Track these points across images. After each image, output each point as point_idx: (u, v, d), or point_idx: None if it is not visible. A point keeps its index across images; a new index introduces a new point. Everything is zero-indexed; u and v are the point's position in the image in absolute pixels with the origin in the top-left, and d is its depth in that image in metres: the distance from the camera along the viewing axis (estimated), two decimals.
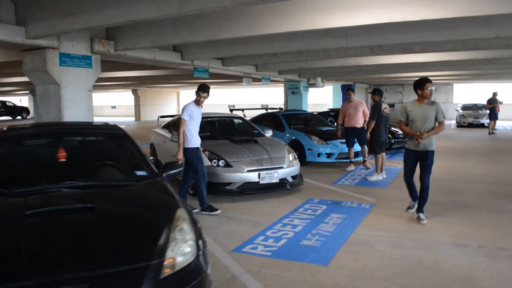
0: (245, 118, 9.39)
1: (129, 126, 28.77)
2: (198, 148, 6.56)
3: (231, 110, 13.95)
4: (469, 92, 30.35)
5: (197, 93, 6.50)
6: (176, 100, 39.83)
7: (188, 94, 40.69)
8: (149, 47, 8.95)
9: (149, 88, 34.22)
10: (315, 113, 15.11)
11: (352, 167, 10.08)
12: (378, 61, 11.93)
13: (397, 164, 10.76)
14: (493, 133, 18.77)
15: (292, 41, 8.68)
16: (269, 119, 12.36)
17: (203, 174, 6.49)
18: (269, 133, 8.93)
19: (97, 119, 33.39)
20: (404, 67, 14.47)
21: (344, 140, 10.20)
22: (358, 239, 5.20)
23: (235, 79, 17.47)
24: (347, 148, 10.12)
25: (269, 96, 31.89)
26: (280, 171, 7.28)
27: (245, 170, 7.07)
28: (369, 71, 16.04)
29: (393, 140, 12.69)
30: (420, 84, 5.72)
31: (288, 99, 18.60)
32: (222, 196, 7.25)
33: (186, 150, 6.44)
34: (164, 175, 4.17)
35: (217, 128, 9.05)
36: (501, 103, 19.49)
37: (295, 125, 11.87)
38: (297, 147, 10.62)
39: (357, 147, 10.27)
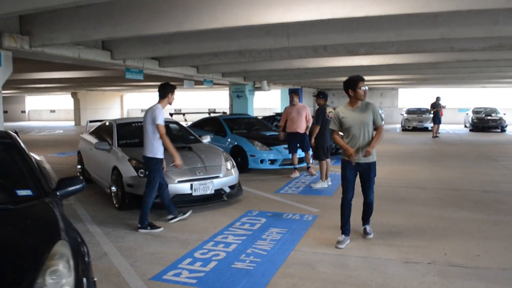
0: (180, 123, 8.64)
1: (67, 131, 27.13)
2: (162, 160, 5.85)
3: (171, 115, 13.14)
4: (414, 97, 31.00)
5: (166, 94, 5.84)
6: (119, 103, 38.32)
7: (133, 97, 39.30)
8: (70, 44, 8.01)
9: (89, 91, 32.60)
10: (260, 117, 14.59)
11: (296, 174, 9.56)
12: (323, 63, 11.54)
13: None
14: (436, 136, 19.00)
15: (232, 40, 8.05)
16: (211, 123, 11.67)
17: (154, 189, 5.78)
18: (206, 139, 8.24)
19: (34, 124, 31.29)
20: (350, 71, 14.14)
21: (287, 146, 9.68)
22: (298, 258, 4.60)
23: (176, 82, 16.59)
24: (290, 154, 9.61)
25: (217, 100, 31.15)
26: (215, 181, 6.60)
27: (176, 181, 6.34)
28: (315, 75, 15.71)
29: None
30: (352, 84, 4.89)
31: (233, 103, 17.97)
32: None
33: (150, 160, 5.73)
34: (58, 193, 3.38)
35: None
36: (444, 107, 19.79)
37: (237, 130, 11.24)
38: (240, 153, 10.03)
39: (301, 153, 9.77)
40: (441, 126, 20.22)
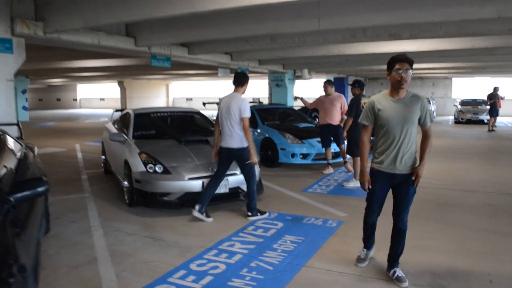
0: (202, 113, 8.05)
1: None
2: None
3: (204, 104, 12.64)
4: (469, 87, 28.98)
5: (244, 82, 5.62)
6: (165, 92, 38.51)
7: (178, 86, 39.41)
8: (88, 29, 7.61)
9: (135, 80, 32.87)
10: (297, 108, 13.82)
11: (330, 170, 8.76)
12: (364, 49, 10.57)
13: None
14: (493, 130, 17.44)
15: (259, 23, 7.36)
16: None
17: (256, 177, 5.78)
18: None
19: (84, 111, 32.22)
20: None
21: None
22: (307, 278, 3.88)
23: (211, 70, 16.09)
24: (324, 149, 8.81)
25: (259, 89, 30.49)
26: (231, 178, 5.95)
27: (186, 178, 5.74)
28: (357, 62, 14.65)
29: None
30: (388, 65, 3.68)
31: (272, 92, 17.24)
32: (160, 209, 5.97)
33: (242, 151, 5.53)
34: (11, 199, 2.83)
35: (166, 126, 7.69)
36: (502, 98, 18.13)
37: (270, 121, 10.52)
38: (270, 146, 9.34)
39: (336, 147, 8.95)
40: (499, 119, 18.56)
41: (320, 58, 13.08)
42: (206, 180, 5.74)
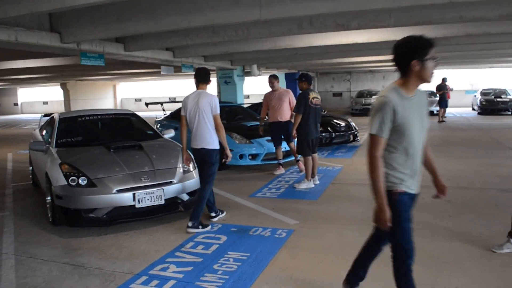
0: (137, 115, 7.27)
1: None
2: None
3: (147, 104, 11.81)
4: None
5: (208, 78, 5.36)
6: (112, 93, 36.91)
7: (127, 86, 37.94)
8: (3, 25, 6.69)
9: (79, 81, 31.23)
10: (247, 105, 13.22)
11: (281, 171, 8.23)
12: (312, 41, 10.10)
13: (337, 163, 9.03)
14: (443, 121, 17.56)
15: (194, 13, 6.69)
16: None
17: (212, 184, 5.32)
18: (169, 134, 6.92)
19: (26, 116, 30.28)
20: (344, 50, 12.73)
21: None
22: None
23: (155, 68, 15.19)
24: (274, 148, 8.26)
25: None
26: (167, 188, 5.25)
27: (114, 190, 5.00)
28: (308, 56, 14.22)
29: (333, 134, 10.95)
30: (419, 50, 2.58)
31: (221, 90, 16.58)
32: (88, 227, 5.21)
33: (212, 152, 5.19)
34: None
35: (96, 131, 6.85)
36: (451, 90, 18.29)
37: None
38: None
39: (287, 146, 8.43)
40: (448, 110, 18.73)
41: (268, 53, 12.54)
42: (138, 192, 5.02)
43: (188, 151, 5.39)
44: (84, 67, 18.21)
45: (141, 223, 5.30)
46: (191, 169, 5.75)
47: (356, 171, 8.28)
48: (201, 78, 5.28)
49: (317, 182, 7.17)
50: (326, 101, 30.33)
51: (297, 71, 24.24)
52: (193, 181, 5.65)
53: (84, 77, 27.55)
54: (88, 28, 7.60)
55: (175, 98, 30.48)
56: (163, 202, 5.18)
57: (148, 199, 5.09)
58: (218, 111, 5.15)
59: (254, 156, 8.50)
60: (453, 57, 17.19)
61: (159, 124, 11.07)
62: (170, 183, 5.32)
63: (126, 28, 7.36)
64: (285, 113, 8.00)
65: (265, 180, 7.68)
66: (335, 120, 11.65)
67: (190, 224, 5.03)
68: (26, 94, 42.48)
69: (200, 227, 5.06)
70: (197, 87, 5.30)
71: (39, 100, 41.49)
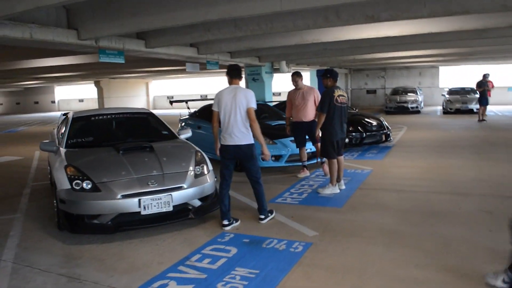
0: (154, 114, 6.93)
1: None
2: None
3: (171, 102, 11.53)
4: (457, 75, 28.09)
5: (240, 74, 5.28)
6: (145, 91, 37.18)
7: (159, 84, 38.12)
8: (17, 22, 6.49)
9: (113, 79, 31.53)
10: (275, 103, 12.76)
11: (305, 173, 7.74)
12: (341, 35, 9.51)
13: (366, 165, 8.46)
14: (483, 120, 16.52)
15: (210, 5, 6.27)
16: (209, 112, 9.91)
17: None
18: (186, 134, 6.57)
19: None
20: (376, 45, 12.04)
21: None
22: None
23: (181, 66, 14.87)
24: (298, 149, 7.77)
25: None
26: (176, 193, 4.87)
27: (119, 196, 4.66)
28: (338, 51, 13.55)
29: (364, 134, 10.34)
30: None
31: (249, 87, 16.13)
32: (92, 234, 4.90)
33: (251, 148, 5.13)
34: None
35: (108, 131, 6.53)
36: (493, 87, 17.21)
37: None
38: None
39: (312, 147, 7.93)
40: (489, 107, 17.63)
41: (295, 48, 12.00)
42: (144, 198, 4.67)
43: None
44: (116, 65, 18.22)
45: (148, 231, 4.94)
46: (205, 172, 5.37)
47: (387, 174, 7.69)
48: (233, 73, 5.15)
49: (343, 187, 6.64)
50: (360, 99, 29.49)
51: (328, 67, 23.59)
52: (207, 185, 5.26)
53: (117, 75, 27.75)
54: (104, 24, 7.29)
55: (206, 96, 30.41)
56: (171, 208, 4.81)
57: (155, 206, 4.73)
58: (255, 105, 4.99)
59: (277, 158, 8.03)
60: (493, 51, 16.13)
61: (183, 123, 10.76)
62: (180, 188, 4.94)
63: (141, 23, 7.01)
64: (310, 113, 7.50)
65: (288, 183, 7.21)
66: (366, 119, 11.03)
67: (262, 216, 5.19)
68: (63, 92, 43.41)
69: (269, 214, 5.25)
70: (230, 83, 5.15)
71: (75, 98, 42.31)
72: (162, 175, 4.95)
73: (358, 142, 10.36)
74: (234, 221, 5.14)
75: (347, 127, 10.22)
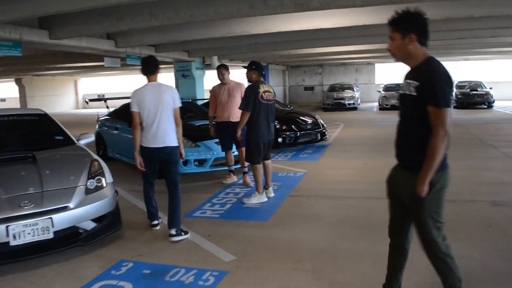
0: (49, 117, 5.81)
1: None
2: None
3: (87, 102, 10.33)
4: (392, 72, 28.44)
5: (156, 69, 4.68)
6: (73, 89, 34.91)
7: (90, 82, 35.97)
8: None
9: (36, 77, 29.21)
10: (204, 101, 11.84)
11: (232, 179, 6.93)
12: (272, 27, 8.79)
13: (300, 167, 7.78)
14: None
15: None
16: (127, 111, 8.85)
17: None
18: (87, 139, 5.55)
19: None
20: (313, 39, 11.49)
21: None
22: None
23: (99, 61, 13.55)
24: (224, 152, 6.95)
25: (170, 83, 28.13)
26: (58, 216, 3.86)
27: None
28: (271, 46, 12.83)
29: (298, 132, 9.70)
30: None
31: (179, 84, 15.14)
32: None
33: (176, 150, 4.72)
34: None
35: None
36: None
37: None
38: None
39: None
40: None
41: (225, 41, 11.16)
42: (13, 224, 3.63)
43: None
44: (36, 60, 16.57)
45: (28, 263, 3.90)
46: (103, 185, 4.41)
47: (321, 177, 7.06)
48: (148, 68, 4.60)
49: (272, 194, 5.88)
50: (298, 96, 29.22)
51: (265, 64, 22.98)
52: (103, 202, 4.29)
53: (40, 71, 25.65)
54: None
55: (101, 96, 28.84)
56: (51, 235, 3.80)
57: (29, 233, 3.70)
58: (180, 104, 4.68)
59: (201, 162, 7.15)
60: (428, 49, 16.07)
61: (100, 124, 9.64)
62: (64, 208, 3.94)
63: (34, 8, 5.91)
64: (236, 111, 6.69)
65: (210, 192, 6.36)
66: (300, 117, 10.42)
67: (173, 232, 4.45)
68: None
69: (183, 234, 4.48)
70: (149, 80, 4.62)
71: None
72: (40, 194, 3.93)
73: (292, 142, 9.72)
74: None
75: (280, 126, 9.69)
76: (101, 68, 23.37)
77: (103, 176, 4.50)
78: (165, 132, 4.54)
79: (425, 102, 2.43)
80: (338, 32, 9.88)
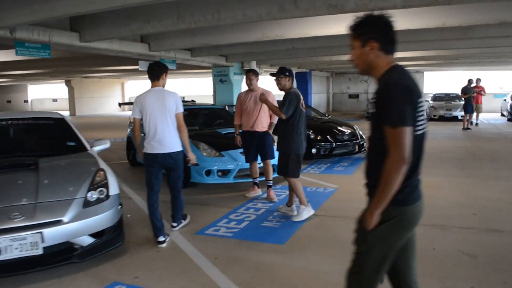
0: (65, 121, 5.60)
1: None
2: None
3: (120, 105, 10.24)
4: (442, 81, 27.18)
5: (160, 74, 4.69)
6: (120, 91, 35.67)
7: (135, 84, 36.67)
8: None
9: (85, 79, 30.03)
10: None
11: (256, 192, 6.48)
12: (308, 31, 8.27)
13: (332, 181, 7.26)
14: (468, 128, 15.48)
15: None
16: None
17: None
18: (102, 146, 5.30)
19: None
20: (347, 43, 10.84)
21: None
22: None
23: (135, 65, 13.43)
24: (248, 164, 6.52)
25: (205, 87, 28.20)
26: (49, 230, 3.55)
27: None
28: (309, 51, 12.23)
29: (334, 143, 9.13)
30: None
31: (216, 90, 14.88)
32: None
33: (180, 155, 4.70)
34: None
35: (4, 140, 5.23)
36: (481, 93, 16.11)
37: (188, 126, 8.20)
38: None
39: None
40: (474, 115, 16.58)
41: (260, 46, 10.75)
42: (1, 238, 3.36)
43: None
44: (84, 63, 16.84)
45: (15, 279, 3.63)
46: (107, 196, 4.09)
47: (352, 195, 6.47)
48: (150, 73, 4.61)
49: (294, 213, 5.39)
50: (342, 104, 28.42)
51: (308, 70, 22.41)
52: (104, 216, 3.98)
53: (89, 74, 26.30)
54: (17, 9, 6.01)
55: (183, 98, 28.97)
56: (40, 251, 3.50)
57: (16, 248, 3.43)
58: (183, 109, 4.62)
59: (224, 173, 6.77)
60: (479, 54, 15.01)
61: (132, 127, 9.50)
62: (57, 222, 3.63)
63: (54, 9, 5.74)
64: (263, 121, 6.26)
65: (230, 206, 5.93)
66: (338, 127, 9.85)
67: (175, 224, 4.89)
68: (37, 91, 41.75)
69: (183, 221, 5.01)
70: (152, 85, 4.64)
71: (49, 97, 40.65)
72: (34, 205, 3.65)
73: (327, 153, 9.16)
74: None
75: (315, 136, 9.16)
76: (145, 71, 23.61)
77: (107, 187, 4.18)
78: (169, 138, 4.51)
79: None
80: None
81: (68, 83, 30.15)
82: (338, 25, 7.93)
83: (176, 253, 4.28)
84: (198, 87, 33.81)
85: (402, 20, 7.32)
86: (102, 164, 4.54)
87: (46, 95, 41.02)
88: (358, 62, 2.21)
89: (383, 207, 2.05)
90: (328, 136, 9.25)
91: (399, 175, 1.97)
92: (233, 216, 5.46)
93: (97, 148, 5.22)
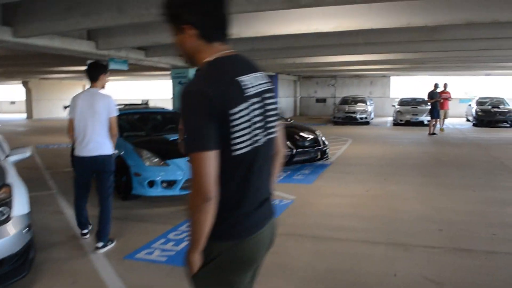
0: None
1: (6, 125, 22.91)
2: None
3: (65, 108, 9.37)
4: (409, 86, 27.18)
5: (98, 75, 4.45)
6: None
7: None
8: None
9: (44, 80, 28.69)
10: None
11: None
12: (266, 30, 7.70)
13: (290, 192, 6.65)
14: (434, 133, 15.27)
15: None
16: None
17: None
18: (20, 155, 4.56)
19: None
20: (315, 46, 10.36)
21: None
22: None
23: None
24: None
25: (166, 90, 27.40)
26: None
27: None
28: (271, 52, 11.66)
29: (294, 150, 8.58)
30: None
31: (175, 92, 14.17)
32: None
33: (110, 159, 4.50)
34: None
35: None
36: (447, 99, 15.94)
37: (136, 131, 7.56)
38: (124, 169, 6.27)
39: None
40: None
41: None
42: None
43: None
44: (40, 63, 15.79)
45: None
46: (8, 218, 3.38)
47: (309, 208, 5.93)
48: (89, 73, 4.48)
49: None
50: (309, 108, 28.07)
51: (275, 74, 21.90)
52: (5, 240, 3.26)
53: (47, 74, 25.06)
54: None
55: (147, 101, 27.99)
56: None
57: None
58: (116, 113, 4.46)
59: (170, 184, 6.09)
60: (446, 59, 14.80)
61: None
62: None
63: None
64: None
65: (172, 222, 5.25)
66: (300, 133, 9.31)
67: (100, 244, 4.32)
68: None
69: (109, 242, 4.43)
70: (90, 86, 4.51)
71: (7, 99, 38.83)
72: None
73: (287, 161, 8.58)
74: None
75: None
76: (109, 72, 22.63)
77: (10, 206, 3.47)
78: (97, 141, 4.36)
79: None
80: (343, 39, 8.80)
81: (25, 84, 28.74)
82: (299, 22, 7.37)
83: (94, 283, 3.60)
84: (159, 90, 33.02)
85: (364, 19, 6.83)
86: (12, 178, 3.82)
87: (3, 98, 39.17)
88: (181, 50, 1.68)
89: (200, 247, 1.58)
90: (288, 142, 8.69)
91: (202, 213, 1.50)
92: (172, 235, 4.79)
93: (14, 158, 4.48)
